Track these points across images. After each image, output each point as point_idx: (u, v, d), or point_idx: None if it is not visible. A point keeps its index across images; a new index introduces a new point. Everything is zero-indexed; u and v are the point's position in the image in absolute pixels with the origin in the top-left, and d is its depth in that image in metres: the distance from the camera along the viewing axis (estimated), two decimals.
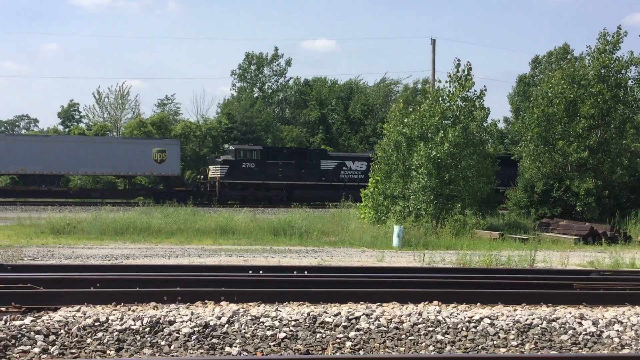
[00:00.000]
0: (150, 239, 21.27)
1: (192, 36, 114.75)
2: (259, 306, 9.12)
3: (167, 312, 8.59)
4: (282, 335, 8.20)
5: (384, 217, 24.97)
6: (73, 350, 7.52)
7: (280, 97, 68.76)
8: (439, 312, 9.12)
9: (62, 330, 7.88)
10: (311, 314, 8.76)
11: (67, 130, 59.43)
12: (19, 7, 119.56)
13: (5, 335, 7.51)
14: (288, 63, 68.04)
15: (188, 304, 9.10)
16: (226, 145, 47.83)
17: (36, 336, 7.63)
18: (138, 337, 7.92)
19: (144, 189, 47.96)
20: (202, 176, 46.99)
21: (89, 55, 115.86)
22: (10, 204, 39.86)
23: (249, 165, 44.29)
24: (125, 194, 44.05)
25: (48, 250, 17.46)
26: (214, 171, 44.69)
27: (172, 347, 7.81)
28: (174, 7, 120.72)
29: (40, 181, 43.13)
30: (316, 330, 8.45)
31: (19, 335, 7.58)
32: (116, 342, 7.75)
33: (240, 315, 8.59)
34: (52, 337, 7.70)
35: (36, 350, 7.37)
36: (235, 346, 7.92)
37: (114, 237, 21.26)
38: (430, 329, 8.62)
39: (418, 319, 8.80)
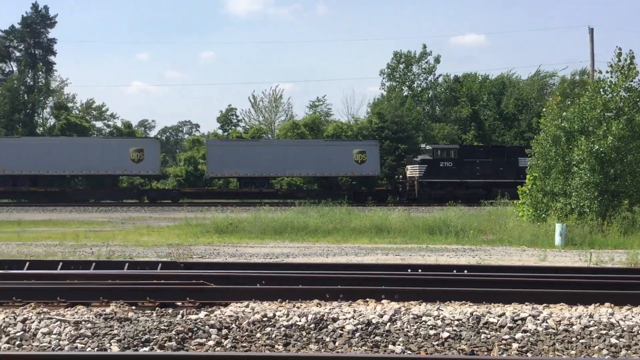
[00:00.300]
0: (308, 237, 21.82)
1: (340, 38, 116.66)
2: (420, 305, 9.09)
3: (330, 309, 8.77)
4: (446, 334, 8.13)
5: (543, 215, 24.04)
6: (244, 344, 7.86)
7: (430, 95, 68.09)
8: (612, 314, 8.66)
9: (233, 325, 8.27)
10: (474, 313, 8.61)
11: (225, 134, 62.16)
12: (178, 20, 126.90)
13: (183, 329, 7.99)
14: (437, 60, 67.24)
15: (350, 301, 9.24)
16: (423, 145, 48.40)
17: (210, 330, 8.06)
18: (304, 333, 8.15)
19: (345, 189, 48.97)
20: (400, 176, 47.91)
21: (243, 61, 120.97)
22: (178, 205, 42.42)
23: (447, 164, 44.76)
24: (329, 194, 44.24)
25: (214, 248, 18.37)
26: (412, 171, 45.51)
27: (336, 344, 7.96)
28: (322, 10, 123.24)
29: (251, 183, 45.90)
30: (480, 330, 8.30)
31: (195, 329, 8.04)
32: (284, 338, 8.02)
33: (402, 313, 8.60)
34: (224, 331, 8.10)
35: (211, 343, 7.78)
36: (399, 344, 7.94)
37: (273, 236, 22.01)
38: (603, 332, 8.21)
39: (589, 322, 8.41)
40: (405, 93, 66.43)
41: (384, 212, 26.22)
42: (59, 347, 7.59)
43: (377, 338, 8.08)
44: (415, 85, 67.88)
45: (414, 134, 57.52)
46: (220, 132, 63.91)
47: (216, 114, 68.96)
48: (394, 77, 67.86)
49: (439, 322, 8.40)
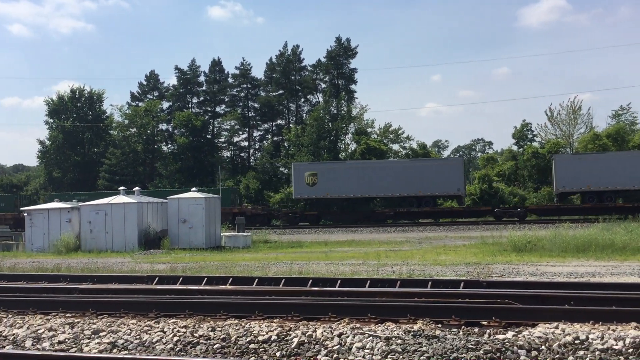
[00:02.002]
0: (615, 256, 20.35)
1: None
2: None
3: None
4: None
5: None
6: None
7: None
8: None
9: (543, 347, 8.02)
10: None
11: (520, 150, 60.68)
12: (471, 38, 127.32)
13: (490, 348, 7.95)
14: None
15: None
16: None
17: (519, 351, 7.90)
18: (621, 358, 7.62)
19: None
20: None
21: (538, 74, 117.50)
22: (472, 223, 42.33)
23: None
24: None
25: (513, 267, 17.98)
26: None
27: None
28: (624, 13, 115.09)
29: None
30: None
31: (503, 349, 7.94)
32: None
33: None
34: (534, 353, 7.89)
35: None
36: None
37: (575, 254, 20.91)
38: None
39: None
40: None
41: None
42: None
43: None
44: None
45: None
46: (515, 148, 62.62)
47: (510, 130, 67.77)
48: None
49: None
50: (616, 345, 7.86)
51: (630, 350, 7.73)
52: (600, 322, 8.72)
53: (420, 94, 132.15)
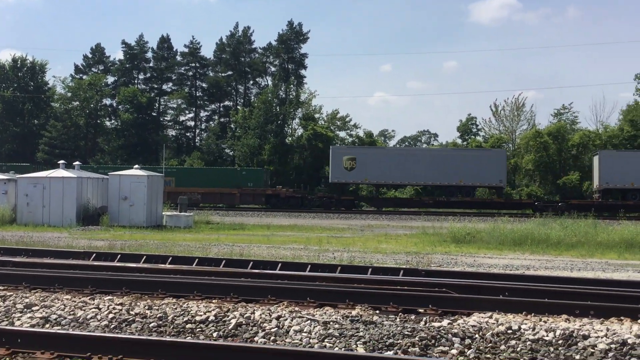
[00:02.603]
0: (549, 250, 20.91)
1: (591, 41, 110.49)
2: None
3: (580, 325, 8.35)
4: None
5: None
6: (487, 356, 7.74)
7: None
8: None
9: (476, 335, 8.18)
10: None
11: (465, 143, 61.63)
12: (423, 31, 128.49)
13: (426, 335, 8.07)
14: None
15: (602, 319, 8.72)
16: None
17: (453, 338, 8.05)
18: (551, 349, 7.83)
19: None
20: None
21: (486, 69, 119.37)
22: (414, 213, 42.84)
23: None
24: None
25: (451, 258, 18.30)
26: None
27: None
28: (572, 13, 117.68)
29: None
30: None
31: (438, 337, 8.07)
32: (529, 352, 7.77)
33: None
34: (467, 341, 8.04)
35: (454, 352, 7.76)
36: None
37: (512, 248, 21.40)
38: None
39: None
40: None
41: (636, 227, 24.30)
42: (309, 344, 8.03)
43: None
44: None
45: None
46: (459, 141, 63.54)
47: (456, 123, 68.54)
48: None
49: None
50: (547, 336, 8.08)
51: (560, 342, 7.95)
52: (533, 314, 8.94)
53: (369, 83, 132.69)
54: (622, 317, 8.75)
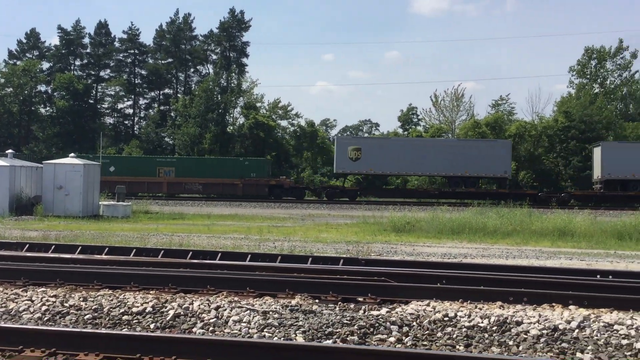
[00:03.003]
0: (486, 239, 21.34)
1: (528, 34, 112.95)
2: (611, 313, 8.61)
3: (513, 312, 8.55)
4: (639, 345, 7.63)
5: None
6: (425, 343, 7.85)
7: (624, 92, 63.87)
8: None
9: (414, 323, 8.29)
10: None
11: (405, 133, 62.26)
12: (365, 21, 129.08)
13: (365, 324, 8.14)
14: (634, 55, 62.89)
15: (535, 305, 8.95)
16: None
17: (392, 326, 8.13)
18: (486, 335, 7.99)
19: None
20: None
21: (427, 60, 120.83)
22: (355, 202, 43.10)
23: None
24: None
25: (391, 247, 18.49)
26: None
27: (520, 348, 7.73)
28: (511, 6, 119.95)
29: None
30: None
31: (377, 325, 8.15)
32: (465, 338, 7.92)
33: (591, 320, 8.19)
34: (405, 329, 8.14)
35: (392, 339, 7.85)
36: (587, 352, 7.56)
37: (450, 236, 21.76)
38: None
39: None
40: (596, 90, 62.88)
41: (568, 215, 25.01)
42: (249, 334, 8.00)
43: (564, 345, 7.74)
44: (608, 82, 64.02)
45: (603, 133, 54.37)
46: (400, 131, 64.16)
47: (397, 113, 69.23)
48: (585, 74, 64.41)
49: (633, 332, 7.90)
50: (482, 323, 8.24)
51: (494, 328, 8.12)
52: (469, 301, 9.11)
53: (311, 72, 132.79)
54: (553, 304, 8.99)
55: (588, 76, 64.13)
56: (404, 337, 7.91)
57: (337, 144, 48.28)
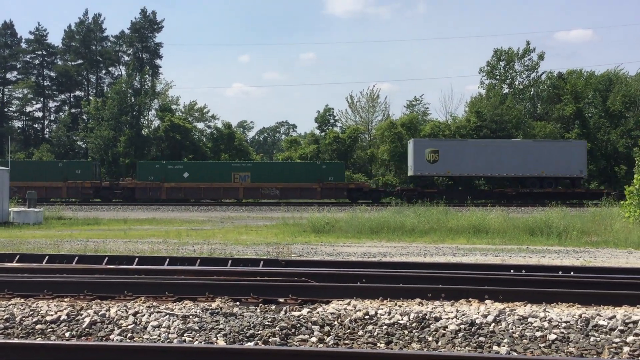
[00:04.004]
0: (405, 237, 21.70)
1: (440, 36, 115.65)
2: (525, 306, 8.88)
3: (432, 308, 8.70)
4: (553, 337, 7.91)
5: None
6: (346, 342, 7.90)
7: (531, 93, 66.24)
8: None
9: (335, 322, 8.32)
10: (583, 316, 8.33)
11: (322, 134, 62.51)
12: (279, 22, 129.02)
13: (286, 325, 8.11)
14: (540, 57, 65.20)
15: (452, 301, 9.14)
16: None
17: (313, 327, 8.14)
18: (406, 332, 8.11)
19: None
20: None
21: (342, 61, 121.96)
22: (275, 205, 43.00)
23: None
24: None
25: (311, 247, 18.54)
26: None
27: (439, 343, 7.88)
28: (422, 8, 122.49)
29: None
30: (589, 333, 8.02)
31: (298, 325, 8.14)
32: (386, 336, 8.01)
33: (506, 314, 8.43)
34: (327, 328, 8.17)
35: (314, 339, 7.86)
36: (504, 345, 7.79)
37: (370, 236, 22.01)
38: None
39: None
40: (506, 91, 64.95)
41: (482, 213, 25.73)
42: (168, 340, 7.85)
43: (481, 339, 7.95)
44: (516, 83, 66.24)
45: (514, 132, 56.25)
46: (317, 132, 64.49)
47: (314, 114, 69.54)
48: (494, 75, 66.36)
49: (546, 324, 8.18)
50: (402, 319, 8.35)
51: (414, 325, 8.25)
52: (389, 299, 9.21)
53: (227, 74, 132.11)
54: (470, 299, 9.20)
55: (497, 77, 66.17)
56: (325, 337, 7.94)
57: (415, 146, 47.81)
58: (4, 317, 8.39)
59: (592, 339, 7.89)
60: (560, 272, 11.67)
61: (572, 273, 11.53)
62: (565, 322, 8.22)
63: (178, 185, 45.70)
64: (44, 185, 44.92)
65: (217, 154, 59.90)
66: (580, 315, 8.34)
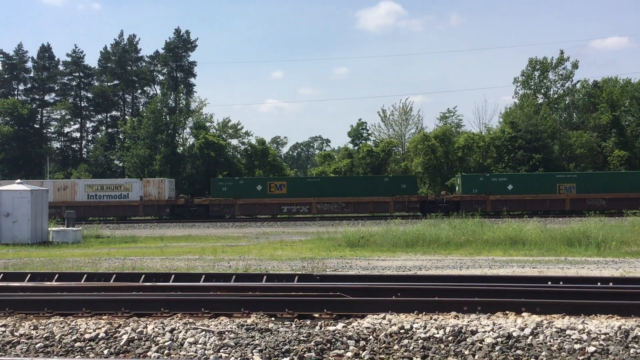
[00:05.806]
0: (440, 250, 21.56)
1: (473, 47, 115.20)
2: (563, 318, 8.76)
3: (468, 321, 8.63)
4: (592, 349, 7.79)
5: None
6: (382, 356, 7.88)
7: (566, 102, 65.47)
8: None
9: (370, 337, 8.31)
10: (622, 327, 8.20)
11: (356, 148, 62.49)
12: (313, 38, 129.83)
13: (321, 340, 8.12)
14: (575, 66, 64.47)
15: (488, 314, 9.05)
16: None
17: (348, 341, 8.14)
18: (442, 346, 8.06)
19: None
20: None
21: (375, 75, 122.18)
22: (310, 219, 43.06)
23: None
24: None
25: (346, 262, 18.52)
26: None
27: (476, 357, 7.82)
28: (455, 20, 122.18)
29: None
30: (629, 345, 7.89)
31: (333, 340, 8.14)
32: (421, 350, 7.97)
33: (544, 326, 8.33)
34: (362, 343, 8.15)
35: (349, 354, 7.86)
36: (542, 358, 7.69)
37: (405, 249, 21.92)
38: None
39: None
40: (540, 101, 64.28)
41: (519, 224, 25.44)
42: (205, 356, 7.91)
43: (519, 352, 7.86)
44: (551, 92, 65.52)
45: (549, 142, 55.57)
46: (350, 146, 64.49)
47: (347, 128, 69.59)
48: (529, 85, 65.75)
49: (584, 336, 8.06)
50: (437, 333, 8.31)
51: (450, 338, 8.19)
52: (424, 312, 9.17)
53: (261, 90, 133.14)
54: (507, 312, 9.11)
55: (532, 87, 65.56)
56: (360, 352, 7.93)
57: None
58: (44, 336, 8.54)
59: (632, 350, 7.75)
60: (598, 283, 11.48)
61: (610, 284, 11.33)
62: (605, 334, 8.09)
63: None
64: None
65: (252, 170, 60.23)
66: (619, 327, 8.20)
